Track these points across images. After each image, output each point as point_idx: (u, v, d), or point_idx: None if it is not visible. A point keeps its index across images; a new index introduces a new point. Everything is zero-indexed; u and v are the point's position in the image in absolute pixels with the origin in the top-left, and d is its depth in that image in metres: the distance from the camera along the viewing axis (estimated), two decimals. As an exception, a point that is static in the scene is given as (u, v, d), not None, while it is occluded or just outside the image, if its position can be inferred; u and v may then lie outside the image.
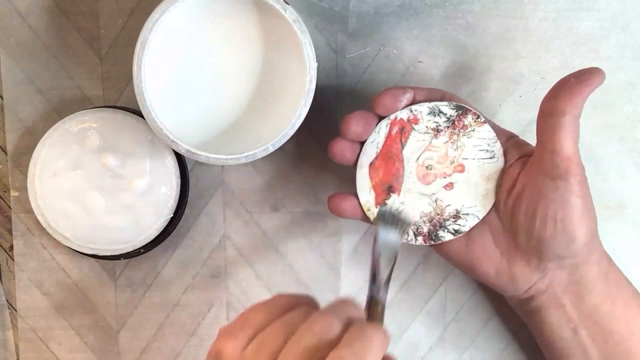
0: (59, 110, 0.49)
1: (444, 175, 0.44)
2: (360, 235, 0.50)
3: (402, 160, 0.44)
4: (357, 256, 0.51)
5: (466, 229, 0.44)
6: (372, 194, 0.44)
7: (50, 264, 0.50)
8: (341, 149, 0.44)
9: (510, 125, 0.49)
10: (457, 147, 0.43)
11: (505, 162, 0.44)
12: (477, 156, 0.43)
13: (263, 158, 0.43)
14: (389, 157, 0.43)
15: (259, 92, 0.45)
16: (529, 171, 0.42)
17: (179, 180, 0.47)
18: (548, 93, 0.41)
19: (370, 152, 0.43)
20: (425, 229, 0.44)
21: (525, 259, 0.43)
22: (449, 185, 0.44)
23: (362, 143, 0.44)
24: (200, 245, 0.50)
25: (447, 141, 0.43)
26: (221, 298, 0.51)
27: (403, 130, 0.43)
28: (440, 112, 0.43)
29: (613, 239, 0.50)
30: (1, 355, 0.51)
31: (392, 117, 0.43)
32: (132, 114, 0.46)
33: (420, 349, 0.52)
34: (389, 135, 0.43)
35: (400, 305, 0.51)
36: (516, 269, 0.44)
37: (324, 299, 0.51)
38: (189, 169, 0.49)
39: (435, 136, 0.43)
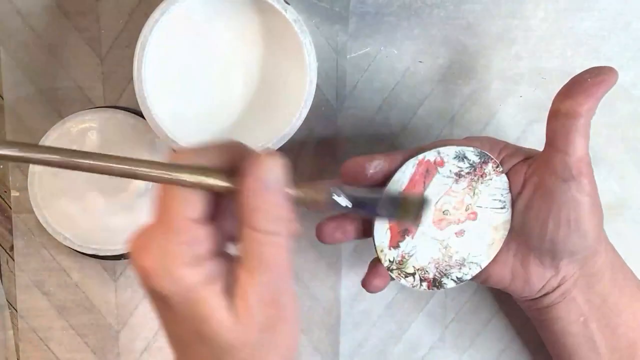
0: (59, 110, 0.49)
1: (458, 222, 0.43)
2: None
3: None
4: (357, 256, 0.51)
5: (468, 277, 0.44)
6: (388, 235, 0.43)
7: (50, 264, 0.50)
8: (329, 231, 0.43)
9: (510, 125, 0.49)
10: (474, 194, 0.43)
11: (504, 169, 0.43)
12: (490, 205, 0.43)
13: (263, 158, 0.43)
14: None
15: (259, 92, 0.45)
16: (538, 172, 0.42)
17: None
18: (561, 92, 0.41)
19: (393, 189, 0.42)
20: (430, 275, 0.44)
21: (538, 259, 0.43)
22: (460, 233, 0.43)
23: (353, 220, 0.43)
24: (201, 245, 0.50)
25: (465, 187, 0.43)
26: (221, 298, 0.51)
27: (428, 173, 0.42)
28: (465, 157, 0.42)
29: (613, 239, 0.49)
30: (2, 355, 0.51)
31: (421, 157, 0.42)
32: (132, 114, 0.46)
33: (420, 348, 0.52)
34: (414, 176, 0.42)
35: (401, 305, 0.51)
36: (530, 269, 0.44)
37: (323, 299, 0.51)
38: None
39: (456, 181, 0.43)
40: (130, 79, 0.47)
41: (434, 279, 0.44)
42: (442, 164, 0.42)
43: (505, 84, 0.49)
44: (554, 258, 0.43)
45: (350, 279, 0.51)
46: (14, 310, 0.50)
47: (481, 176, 0.43)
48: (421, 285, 0.44)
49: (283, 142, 0.42)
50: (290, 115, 0.42)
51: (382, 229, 0.43)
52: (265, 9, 0.42)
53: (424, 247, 0.43)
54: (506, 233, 0.44)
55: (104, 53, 0.49)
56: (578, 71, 0.49)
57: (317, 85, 0.42)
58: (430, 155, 0.42)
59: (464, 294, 0.51)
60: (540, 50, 0.49)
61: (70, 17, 0.48)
